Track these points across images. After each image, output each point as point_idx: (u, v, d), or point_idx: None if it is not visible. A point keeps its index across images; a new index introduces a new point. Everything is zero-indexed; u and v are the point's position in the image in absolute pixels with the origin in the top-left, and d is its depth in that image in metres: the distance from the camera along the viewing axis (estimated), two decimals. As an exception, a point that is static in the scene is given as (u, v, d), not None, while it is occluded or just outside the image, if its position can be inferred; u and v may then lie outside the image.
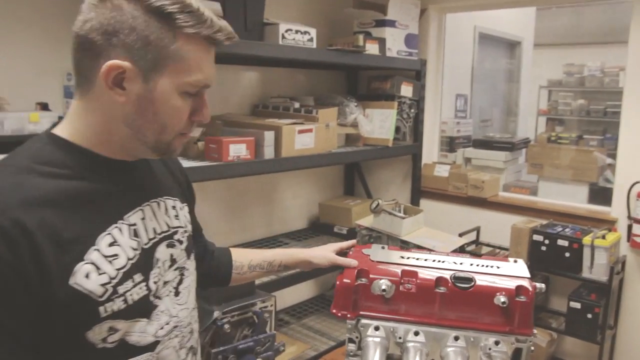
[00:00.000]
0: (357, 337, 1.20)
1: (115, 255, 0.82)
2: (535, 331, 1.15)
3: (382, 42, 2.99)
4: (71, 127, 0.84)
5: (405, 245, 2.36)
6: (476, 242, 3.12)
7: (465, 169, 3.41)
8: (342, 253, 1.29)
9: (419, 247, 2.30)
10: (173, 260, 0.94)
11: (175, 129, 0.84)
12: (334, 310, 1.21)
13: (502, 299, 1.12)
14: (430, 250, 1.33)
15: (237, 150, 2.39)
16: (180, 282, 0.95)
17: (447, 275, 1.18)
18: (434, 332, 1.16)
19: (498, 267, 1.22)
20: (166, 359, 0.90)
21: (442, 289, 1.16)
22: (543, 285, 1.18)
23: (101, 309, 0.79)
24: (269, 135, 2.48)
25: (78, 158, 0.82)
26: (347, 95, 3.22)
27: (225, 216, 3.19)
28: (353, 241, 1.34)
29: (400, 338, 1.17)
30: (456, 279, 1.17)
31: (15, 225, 0.71)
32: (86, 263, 0.78)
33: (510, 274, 1.19)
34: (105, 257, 0.81)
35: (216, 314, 1.49)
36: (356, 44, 2.82)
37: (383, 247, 1.33)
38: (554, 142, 3.75)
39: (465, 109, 4.09)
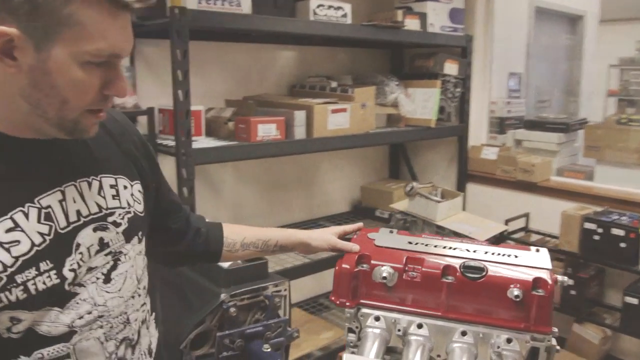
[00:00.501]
0: (357, 327, 1.11)
1: (15, 241, 0.75)
2: (555, 329, 1.03)
3: (423, 17, 2.83)
4: None
5: (440, 231, 2.23)
6: (525, 229, 2.93)
7: (515, 151, 3.21)
8: (346, 237, 1.20)
9: (455, 233, 2.17)
10: (103, 245, 0.86)
11: (80, 105, 0.75)
12: (333, 298, 1.13)
13: (516, 292, 0.99)
14: (446, 237, 1.22)
15: (267, 130, 2.33)
16: (113, 268, 0.87)
17: (456, 263, 1.07)
18: (439, 326, 1.06)
19: (516, 257, 1.09)
20: (87, 351, 0.83)
21: (449, 279, 1.05)
22: (565, 278, 1.05)
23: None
24: (300, 115, 2.41)
25: None
26: (389, 74, 3.09)
27: (262, 197, 3.16)
28: (359, 224, 1.25)
29: (402, 330, 1.07)
30: (466, 268, 1.06)
31: None
32: None
33: (529, 264, 1.06)
34: (1, 243, 0.74)
35: (223, 296, 1.44)
36: (394, 20, 2.68)
37: (391, 232, 1.23)
38: (623, 124, 3.46)
39: (519, 88, 3.84)
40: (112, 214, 0.88)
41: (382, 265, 1.09)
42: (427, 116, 2.96)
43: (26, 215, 0.77)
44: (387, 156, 3.77)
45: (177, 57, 1.94)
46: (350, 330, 1.13)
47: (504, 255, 1.10)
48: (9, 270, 0.74)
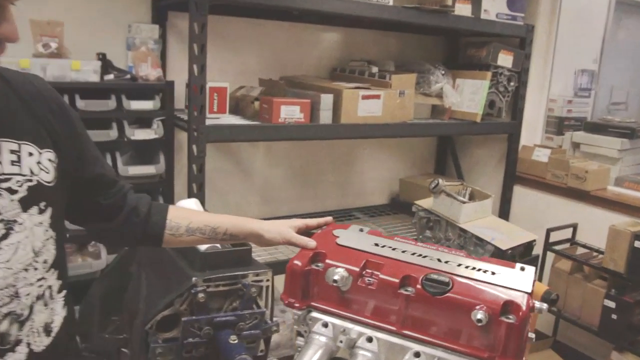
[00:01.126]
0: (305, 332, 1.00)
1: None
2: (525, 364, 0.87)
3: (476, 2, 2.61)
4: None
5: (463, 234, 2.05)
6: (571, 240, 2.67)
7: (570, 155, 2.92)
8: (307, 232, 1.08)
9: (477, 239, 1.98)
10: None
11: None
12: (282, 296, 1.02)
13: (479, 315, 0.84)
14: (424, 244, 1.06)
15: (290, 112, 2.23)
16: (4, 237, 0.81)
17: (420, 274, 0.92)
18: (391, 342, 0.92)
19: (493, 274, 0.93)
20: None
21: (408, 290, 0.91)
22: (544, 306, 0.88)
23: None
24: (327, 99, 2.29)
25: None
26: (437, 63, 2.89)
27: (294, 181, 3.07)
28: (327, 219, 1.12)
29: (345, 342, 0.95)
30: (428, 280, 0.91)
31: None
32: None
33: (505, 284, 0.90)
34: None
35: (194, 280, 1.36)
36: (443, 4, 2.48)
37: (361, 230, 1.10)
38: None
39: (591, 87, 3.49)
40: (7, 180, 0.82)
41: (337, 267, 0.96)
42: (473, 109, 2.75)
43: None
44: (434, 150, 3.57)
45: (195, 30, 1.87)
46: (299, 334, 1.02)
47: (479, 270, 0.94)
48: None
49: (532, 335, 0.95)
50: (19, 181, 0.82)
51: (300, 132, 2.24)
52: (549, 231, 2.53)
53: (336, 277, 0.95)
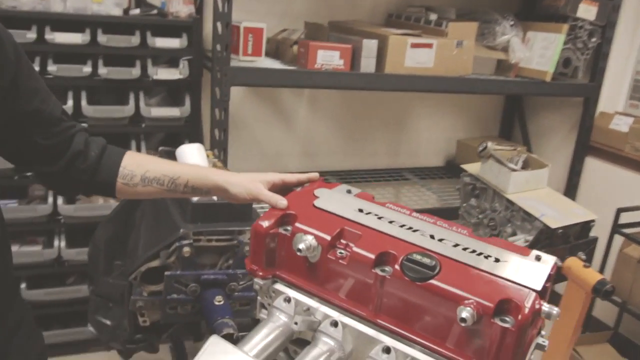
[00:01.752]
0: (269, 305, 0.85)
1: None
2: (522, 381, 0.67)
3: (558, -61, 2.24)
4: None
5: (510, 206, 1.79)
6: (645, 224, 2.33)
7: (657, 126, 2.53)
8: (285, 189, 0.91)
9: (525, 213, 1.73)
10: None
11: None
12: (246, 261, 0.86)
13: (465, 313, 0.64)
14: (420, 215, 0.86)
15: (328, 58, 2.03)
16: None
17: (402, 252, 0.73)
18: (359, 331, 0.75)
19: (497, 261, 0.73)
20: None
21: (385, 271, 0.73)
22: (556, 310, 0.66)
23: None
24: (370, 45, 2.06)
25: None
26: (507, 12, 2.55)
27: (340, 135, 2.89)
28: (312, 175, 0.94)
29: (311, 323, 0.78)
30: (409, 261, 0.72)
31: None
32: None
33: (509, 276, 0.69)
34: None
35: (181, 232, 1.24)
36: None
37: (349, 192, 0.91)
38: None
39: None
40: None
41: (306, 233, 0.79)
42: (542, 67, 2.42)
43: None
44: (500, 112, 3.24)
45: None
46: (263, 306, 0.87)
47: (479, 254, 0.74)
48: None
49: (543, 342, 0.74)
50: None
51: (337, 80, 2.03)
52: (619, 211, 2.21)
53: (301, 246, 0.77)
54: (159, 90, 2.19)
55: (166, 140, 2.28)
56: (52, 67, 1.89)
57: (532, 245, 1.70)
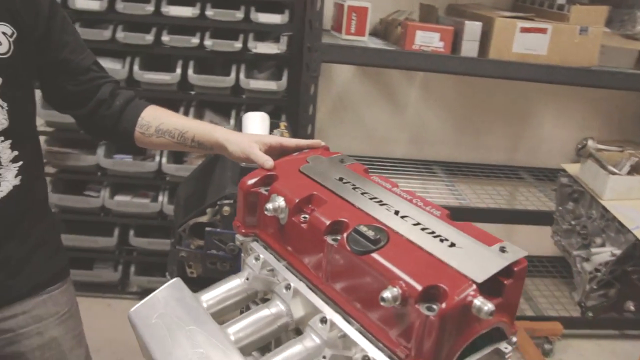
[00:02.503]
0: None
1: None
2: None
3: None
4: None
5: (605, 213, 1.58)
6: None
7: None
8: (284, 153, 0.91)
9: (619, 222, 1.51)
10: None
11: None
12: (235, 219, 0.89)
13: (386, 293, 0.60)
14: (403, 191, 0.81)
15: (427, 39, 1.95)
16: None
17: (356, 222, 0.70)
18: (306, 299, 0.74)
19: (452, 245, 0.66)
20: None
21: (333, 240, 0.71)
22: (488, 307, 0.59)
23: None
24: (473, 28, 1.94)
25: None
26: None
27: (453, 126, 2.76)
28: (314, 141, 0.93)
29: (268, 283, 0.79)
30: (356, 232, 0.69)
31: None
32: None
33: (454, 263, 0.63)
34: None
35: (226, 191, 1.29)
36: None
37: (342, 161, 0.88)
38: None
39: None
40: None
41: (280, 194, 0.79)
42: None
43: None
44: (645, 114, 2.84)
45: None
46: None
47: (436, 237, 0.68)
48: None
49: (506, 348, 0.67)
50: None
51: (435, 62, 1.94)
52: None
53: (269, 205, 0.78)
54: (270, 64, 2.29)
55: (270, 113, 2.38)
56: (165, 38, 2.08)
57: (620, 262, 1.48)
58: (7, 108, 0.90)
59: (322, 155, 0.90)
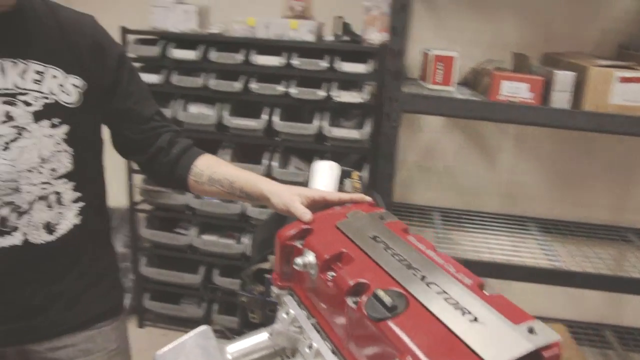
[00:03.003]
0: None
1: None
2: None
3: None
4: None
5: None
6: None
7: None
8: (327, 207, 0.90)
9: None
10: (9, 117, 0.93)
11: None
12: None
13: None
14: (437, 255, 0.76)
15: (514, 89, 1.88)
16: (14, 140, 0.93)
17: (377, 285, 0.68)
18: (326, 361, 0.71)
19: (475, 320, 0.61)
20: None
21: (353, 302, 0.68)
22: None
23: None
24: (564, 78, 1.83)
25: None
26: None
27: (550, 180, 2.59)
28: (358, 196, 0.91)
29: (293, 340, 0.77)
30: (375, 297, 0.66)
31: None
32: None
33: (472, 343, 0.57)
34: None
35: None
36: None
37: (381, 218, 0.85)
38: None
39: None
40: (24, 94, 0.94)
41: (312, 249, 0.78)
42: None
43: None
44: None
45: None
46: (280, 315, 0.88)
47: (459, 309, 0.62)
48: None
49: None
50: (36, 97, 0.94)
51: (522, 114, 1.85)
52: None
53: (299, 260, 0.77)
54: (357, 113, 2.31)
55: (354, 162, 2.39)
56: (254, 85, 2.18)
57: None
58: (72, 153, 0.99)
59: (364, 211, 0.88)
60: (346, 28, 2.26)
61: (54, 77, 0.96)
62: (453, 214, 2.49)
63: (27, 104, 0.93)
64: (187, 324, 2.60)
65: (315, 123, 2.16)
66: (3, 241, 0.94)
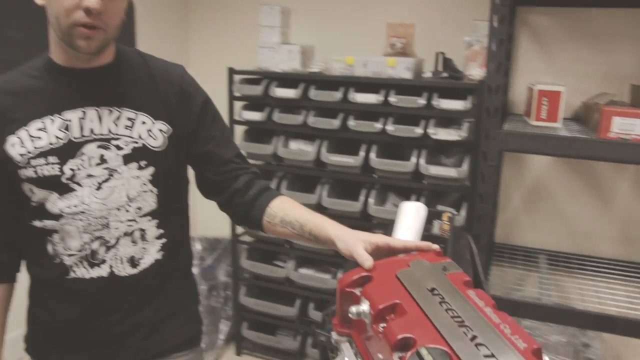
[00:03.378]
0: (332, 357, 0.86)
1: (39, 137, 1.01)
2: None
3: None
4: None
5: None
6: None
7: None
8: (392, 254, 0.89)
9: None
10: (102, 160, 1.03)
11: (65, 17, 0.93)
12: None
13: None
14: (489, 311, 0.70)
15: (627, 126, 1.73)
16: (106, 180, 1.03)
17: (424, 342, 0.65)
18: (372, 417, 0.69)
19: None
20: (68, 233, 1.03)
21: (399, 358, 0.66)
22: None
23: (19, 172, 1.01)
24: (688, 113, 1.64)
25: (43, 64, 1.05)
26: None
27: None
28: (424, 244, 0.87)
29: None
30: (418, 355, 0.63)
31: None
32: (15, 137, 1.01)
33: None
34: (30, 136, 1.00)
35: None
36: None
37: (444, 269, 0.82)
38: None
39: None
40: (117, 139, 1.03)
41: (368, 298, 0.77)
42: None
43: (52, 122, 1.01)
44: None
45: (493, 22, 1.67)
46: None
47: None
48: (29, 155, 1.00)
49: None
50: (126, 141, 1.04)
51: (635, 153, 1.68)
52: None
53: (353, 309, 0.76)
54: (457, 150, 2.25)
55: (453, 202, 2.32)
56: (351, 123, 2.21)
57: None
58: (156, 193, 1.06)
59: (429, 260, 0.85)
60: (447, 64, 2.23)
61: (143, 123, 1.05)
62: (561, 257, 2.31)
63: (119, 147, 1.03)
64: (283, 355, 2.64)
65: (413, 160, 2.13)
66: (92, 272, 1.04)
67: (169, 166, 1.09)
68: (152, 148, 1.05)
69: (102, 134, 1.03)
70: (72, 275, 1.04)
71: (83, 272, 1.03)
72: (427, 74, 2.17)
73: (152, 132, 1.06)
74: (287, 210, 1.07)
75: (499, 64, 1.72)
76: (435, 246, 0.89)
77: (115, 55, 1.07)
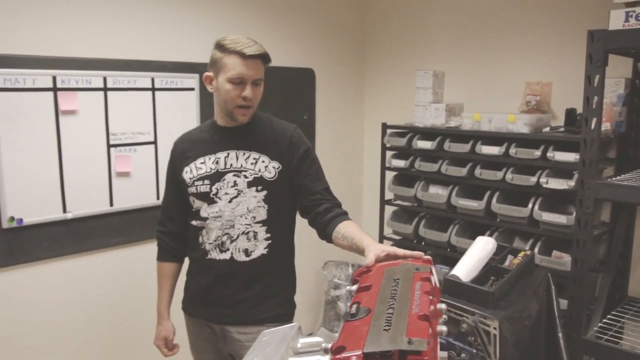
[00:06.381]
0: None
1: (201, 168, 1.63)
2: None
3: None
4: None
5: None
6: None
7: None
8: (395, 257, 1.24)
9: None
10: (235, 184, 1.60)
11: (231, 103, 1.53)
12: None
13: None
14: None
15: None
16: (235, 197, 1.59)
17: (368, 304, 1.04)
18: None
19: (386, 330, 0.91)
20: (211, 230, 1.61)
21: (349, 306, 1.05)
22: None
23: (188, 189, 1.64)
24: None
25: (210, 124, 1.69)
26: None
27: None
28: (417, 253, 1.21)
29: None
30: (354, 308, 1.02)
31: (175, 147, 1.67)
32: (188, 167, 1.62)
33: (369, 336, 0.89)
34: (196, 167, 1.64)
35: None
36: None
37: (417, 269, 1.15)
38: None
39: None
40: (245, 171, 1.59)
41: (358, 280, 1.18)
42: None
43: (209, 159, 1.62)
44: None
45: (589, 81, 1.86)
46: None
47: (386, 321, 0.94)
48: (194, 178, 1.62)
49: None
50: (250, 172, 1.59)
51: None
52: None
53: (348, 288, 1.16)
54: (572, 198, 2.34)
55: (563, 246, 2.39)
56: (477, 171, 2.49)
57: None
58: (267, 208, 1.60)
59: (414, 263, 1.20)
60: (571, 118, 2.36)
61: (263, 161, 1.60)
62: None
63: (246, 176, 1.59)
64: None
65: (529, 207, 2.32)
66: (221, 256, 1.61)
67: (277, 191, 1.61)
68: (266, 178, 1.60)
69: (236, 167, 1.60)
70: (209, 256, 1.62)
71: (215, 254, 1.62)
72: (546, 128, 2.35)
73: (268, 168, 1.60)
74: (347, 228, 1.50)
75: (596, 119, 1.88)
76: (425, 256, 1.22)
77: (251, 117, 1.64)
